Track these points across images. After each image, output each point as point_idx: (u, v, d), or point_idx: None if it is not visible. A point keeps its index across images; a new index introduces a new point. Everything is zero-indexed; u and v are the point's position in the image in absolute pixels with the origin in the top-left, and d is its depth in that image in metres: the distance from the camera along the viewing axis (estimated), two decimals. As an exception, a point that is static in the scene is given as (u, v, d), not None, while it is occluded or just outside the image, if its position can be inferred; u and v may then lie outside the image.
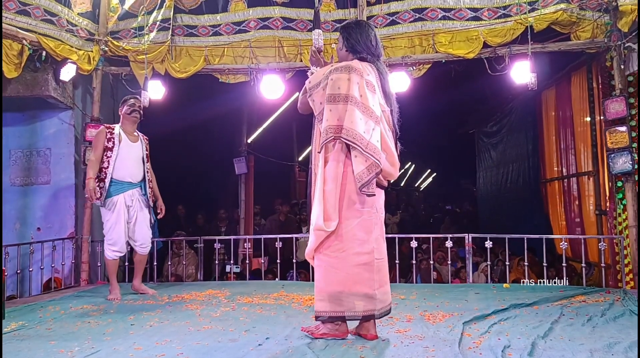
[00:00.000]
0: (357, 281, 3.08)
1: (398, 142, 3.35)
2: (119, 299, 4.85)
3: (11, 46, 5.28)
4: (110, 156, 4.92)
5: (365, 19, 6.03)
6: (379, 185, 3.20)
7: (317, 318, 3.16)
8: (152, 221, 5.22)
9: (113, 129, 5.02)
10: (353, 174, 3.04)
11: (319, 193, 3.12)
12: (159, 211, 5.26)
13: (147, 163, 5.14)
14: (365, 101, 3.05)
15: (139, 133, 5.22)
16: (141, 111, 5.16)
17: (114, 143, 4.95)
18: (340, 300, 3.07)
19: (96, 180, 4.87)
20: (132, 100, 5.15)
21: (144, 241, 5.12)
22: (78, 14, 5.98)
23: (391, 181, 3.42)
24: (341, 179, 3.09)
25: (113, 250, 4.97)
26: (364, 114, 3.03)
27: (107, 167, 4.91)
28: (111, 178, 4.90)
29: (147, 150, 5.18)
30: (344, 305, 3.07)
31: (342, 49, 3.32)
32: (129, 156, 5.01)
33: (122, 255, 5.10)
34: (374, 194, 3.07)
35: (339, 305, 3.08)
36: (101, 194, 4.88)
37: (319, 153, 3.16)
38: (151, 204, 5.17)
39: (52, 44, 5.60)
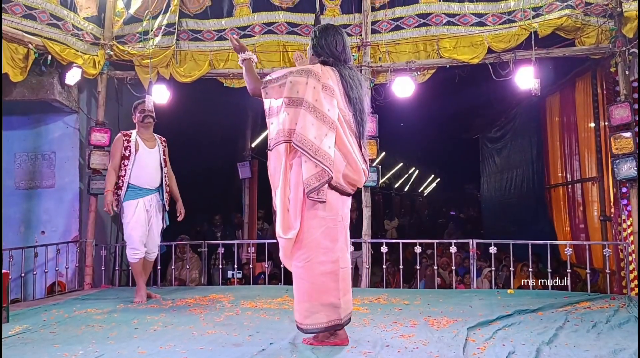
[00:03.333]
0: (322, 291, 3.03)
1: (364, 147, 3.25)
2: (144, 302, 4.86)
3: (17, 50, 5.31)
4: (127, 164, 4.95)
5: (370, 24, 6.06)
6: (344, 192, 3.15)
7: (303, 332, 3.12)
8: (165, 226, 5.22)
9: (130, 137, 5.03)
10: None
11: (281, 199, 3.09)
12: (178, 214, 5.25)
13: (164, 167, 5.13)
14: (320, 105, 3.01)
15: (157, 136, 5.21)
16: (153, 114, 5.17)
17: (130, 151, 4.97)
18: (312, 311, 3.02)
19: (115, 189, 4.93)
20: (141, 105, 5.15)
21: (153, 248, 5.13)
22: (84, 18, 6.01)
23: (360, 188, 3.36)
24: (302, 187, 3.04)
25: (134, 253, 4.94)
26: (317, 120, 2.99)
27: (124, 175, 4.94)
28: (128, 184, 4.93)
29: (164, 154, 5.17)
30: (312, 317, 3.03)
31: (310, 52, 3.33)
32: (147, 163, 5.01)
33: (143, 255, 5.02)
34: (324, 201, 3.01)
35: (311, 317, 3.04)
36: (118, 202, 4.93)
37: (270, 151, 3.14)
38: (167, 208, 5.17)
39: (57, 48, 5.63)
